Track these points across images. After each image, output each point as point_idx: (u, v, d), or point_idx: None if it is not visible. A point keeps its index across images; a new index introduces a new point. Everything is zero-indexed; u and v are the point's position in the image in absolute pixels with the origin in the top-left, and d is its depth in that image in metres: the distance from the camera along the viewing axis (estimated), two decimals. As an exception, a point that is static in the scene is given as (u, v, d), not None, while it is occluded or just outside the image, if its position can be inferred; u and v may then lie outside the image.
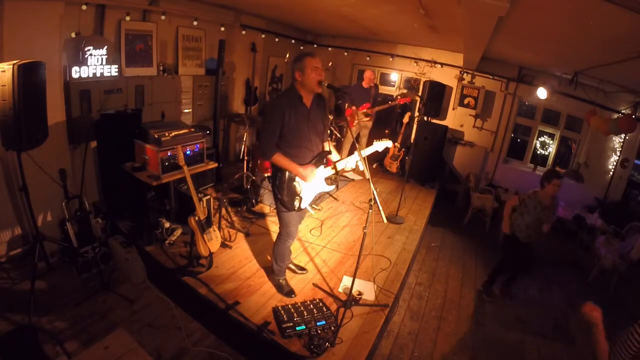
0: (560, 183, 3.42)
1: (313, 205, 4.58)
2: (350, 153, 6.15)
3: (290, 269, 3.23)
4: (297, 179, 2.58)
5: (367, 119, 5.51)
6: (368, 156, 2.65)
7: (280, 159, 2.49)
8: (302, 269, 3.28)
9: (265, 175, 4.44)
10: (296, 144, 2.53)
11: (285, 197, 2.58)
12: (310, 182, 2.62)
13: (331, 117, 4.42)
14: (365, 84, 5.64)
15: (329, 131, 5.12)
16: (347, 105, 5.56)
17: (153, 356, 2.33)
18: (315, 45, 7.59)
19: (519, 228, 3.58)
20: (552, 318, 3.61)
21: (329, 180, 2.78)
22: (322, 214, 4.49)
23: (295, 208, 2.63)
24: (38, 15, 2.87)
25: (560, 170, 6.50)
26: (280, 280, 2.96)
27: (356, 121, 5.32)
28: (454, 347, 2.99)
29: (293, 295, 2.90)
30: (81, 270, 3.02)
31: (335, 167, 2.70)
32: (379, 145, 2.78)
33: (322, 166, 2.67)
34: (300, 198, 2.62)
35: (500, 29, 3.17)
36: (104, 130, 3.58)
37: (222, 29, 5.26)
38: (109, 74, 3.69)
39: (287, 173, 2.55)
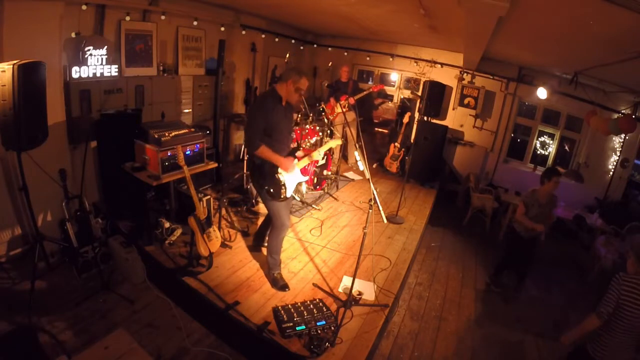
0: (559, 180, 3.51)
1: (313, 205, 4.58)
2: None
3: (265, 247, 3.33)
4: (279, 170, 2.81)
5: (346, 109, 5.59)
6: (368, 156, 2.70)
7: (265, 151, 2.71)
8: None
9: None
10: (276, 138, 2.78)
11: (272, 187, 2.79)
12: (291, 172, 2.88)
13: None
14: (343, 79, 5.99)
15: (329, 131, 5.20)
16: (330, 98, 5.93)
17: (153, 356, 2.33)
18: (315, 45, 7.59)
19: (520, 226, 3.68)
20: (552, 318, 3.61)
21: (305, 170, 3.10)
22: (322, 214, 4.49)
23: (282, 196, 2.83)
24: (38, 15, 2.86)
25: (560, 170, 6.51)
26: (275, 274, 3.02)
27: (337, 111, 5.61)
28: (454, 347, 2.99)
29: (287, 289, 2.97)
30: (81, 270, 3.02)
31: (310, 157, 3.00)
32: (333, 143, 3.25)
33: (295, 159, 2.93)
34: (285, 187, 2.85)
35: (500, 29, 3.17)
36: (104, 130, 3.58)
37: (222, 29, 5.26)
38: (109, 74, 3.69)
39: (269, 165, 2.77)
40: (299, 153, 3.01)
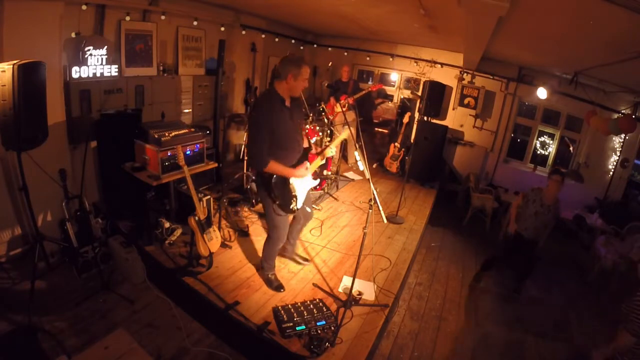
0: (559, 179, 3.54)
1: (313, 206, 4.57)
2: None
3: (295, 260, 3.31)
4: (290, 180, 2.64)
5: (345, 109, 5.56)
6: (368, 156, 2.68)
7: (274, 167, 2.50)
8: (306, 259, 3.35)
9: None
10: (284, 145, 2.56)
11: (282, 201, 2.61)
12: (303, 179, 2.72)
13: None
14: (344, 79, 5.94)
15: (329, 131, 5.19)
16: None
17: (153, 356, 2.33)
18: (315, 45, 7.59)
19: (522, 225, 3.72)
20: (552, 318, 3.61)
21: (314, 174, 2.88)
22: (322, 214, 4.49)
23: (293, 209, 2.70)
24: (38, 15, 2.86)
25: (562, 170, 6.51)
26: (269, 275, 3.00)
27: (337, 111, 5.57)
28: (454, 347, 2.99)
29: (282, 290, 2.95)
30: (81, 270, 3.02)
31: (322, 155, 2.80)
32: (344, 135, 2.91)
33: (307, 162, 2.74)
34: (296, 198, 2.69)
35: (500, 29, 3.17)
36: (104, 130, 3.58)
37: (222, 29, 5.26)
38: (109, 74, 3.69)
39: (279, 177, 2.58)
40: (312, 152, 2.80)
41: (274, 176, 2.56)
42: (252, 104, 2.90)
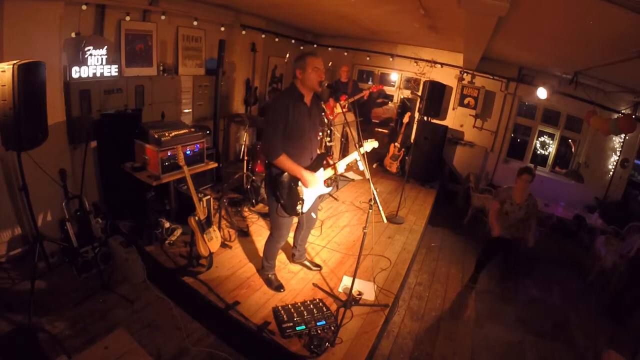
0: (528, 179, 3.47)
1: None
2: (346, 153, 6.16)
3: (305, 265, 3.29)
4: (299, 182, 2.58)
5: (345, 109, 5.54)
6: (368, 156, 2.66)
7: (285, 161, 2.47)
8: (317, 265, 3.32)
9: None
10: (297, 144, 2.54)
11: (287, 202, 2.57)
12: (313, 187, 2.63)
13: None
14: (343, 79, 5.90)
15: (329, 131, 5.19)
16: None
17: (153, 356, 2.33)
18: (315, 45, 7.59)
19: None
20: (552, 318, 3.61)
21: (328, 181, 2.79)
22: (322, 214, 4.49)
23: (298, 213, 2.64)
24: (38, 15, 2.86)
25: (560, 170, 6.51)
26: (270, 275, 3.00)
27: (336, 112, 5.52)
28: (454, 347, 2.99)
29: (282, 290, 2.93)
30: (81, 270, 3.02)
31: (335, 169, 2.71)
32: (369, 146, 2.79)
33: (321, 168, 2.67)
34: (303, 201, 2.62)
35: (500, 29, 3.17)
36: (104, 130, 3.58)
37: (222, 29, 5.26)
38: (109, 74, 3.69)
39: (288, 176, 2.53)
40: (330, 161, 2.67)
41: (283, 174, 2.52)
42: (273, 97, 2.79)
